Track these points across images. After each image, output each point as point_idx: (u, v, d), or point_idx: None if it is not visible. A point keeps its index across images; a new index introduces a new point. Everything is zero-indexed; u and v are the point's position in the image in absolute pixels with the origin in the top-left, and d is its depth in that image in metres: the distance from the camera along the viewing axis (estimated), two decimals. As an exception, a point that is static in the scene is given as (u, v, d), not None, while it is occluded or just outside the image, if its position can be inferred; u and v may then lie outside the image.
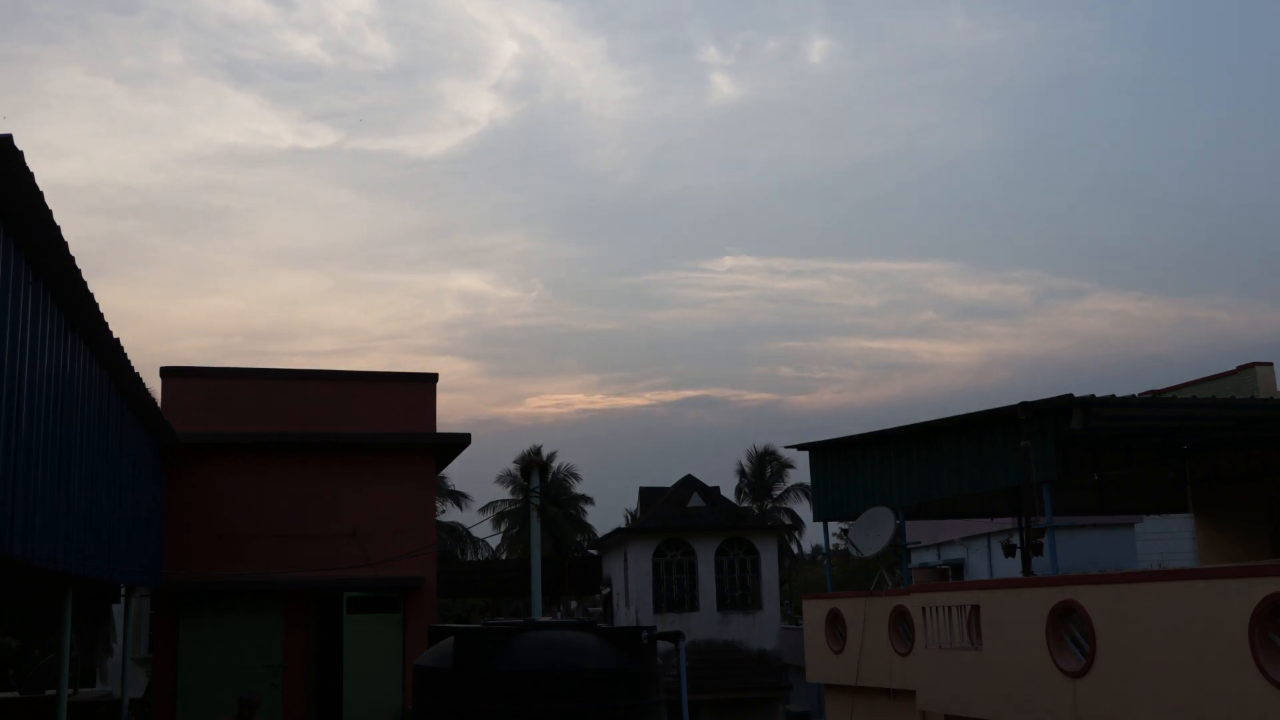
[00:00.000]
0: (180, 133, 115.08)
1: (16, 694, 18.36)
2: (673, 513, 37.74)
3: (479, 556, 50.42)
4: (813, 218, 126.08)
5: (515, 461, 53.52)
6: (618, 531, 40.11)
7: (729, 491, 47.65)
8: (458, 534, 49.17)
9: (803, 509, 53.93)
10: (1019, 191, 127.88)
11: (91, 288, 10.00)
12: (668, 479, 43.43)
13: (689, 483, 39.12)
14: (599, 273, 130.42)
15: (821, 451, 20.83)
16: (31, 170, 7.64)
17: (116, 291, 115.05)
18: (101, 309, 10.70)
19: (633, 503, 48.10)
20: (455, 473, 68.29)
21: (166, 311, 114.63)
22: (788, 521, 54.32)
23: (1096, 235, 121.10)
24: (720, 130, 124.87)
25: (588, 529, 54.35)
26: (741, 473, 56.40)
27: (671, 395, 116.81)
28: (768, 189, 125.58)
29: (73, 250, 8.97)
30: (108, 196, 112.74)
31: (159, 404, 17.16)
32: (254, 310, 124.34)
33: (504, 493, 53.41)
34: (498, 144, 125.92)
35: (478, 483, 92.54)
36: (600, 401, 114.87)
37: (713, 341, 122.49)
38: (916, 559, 36.37)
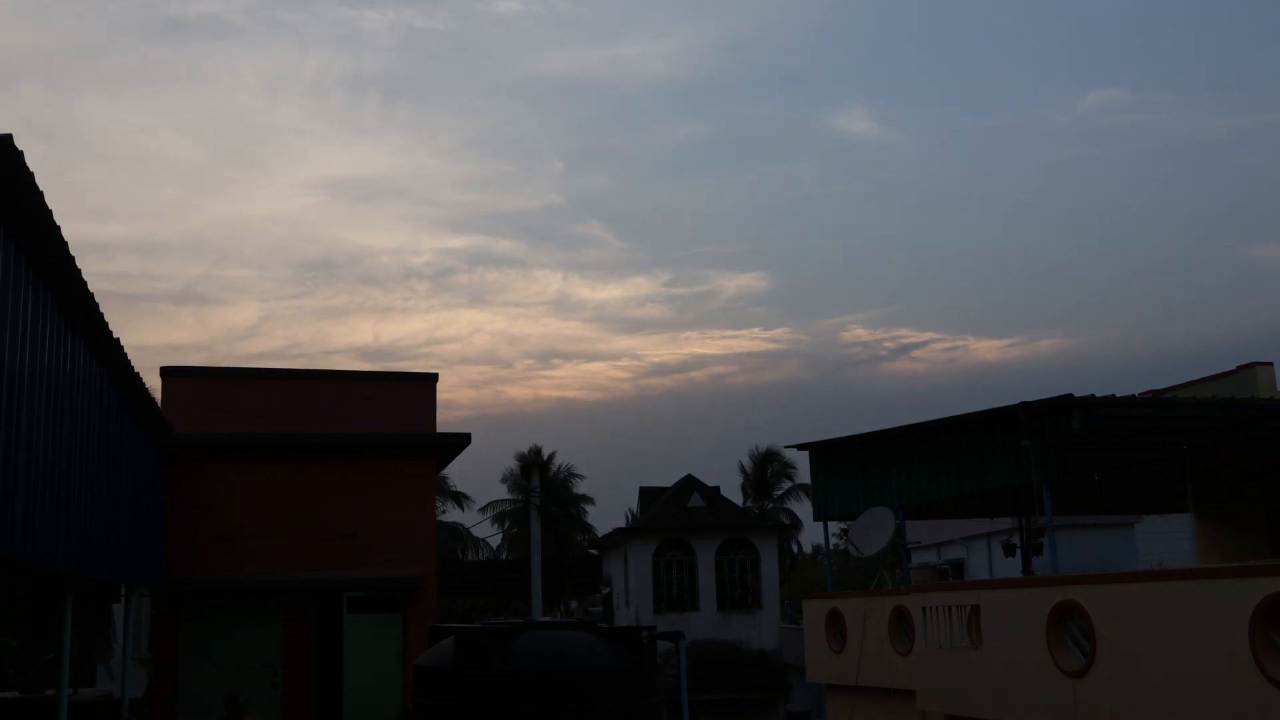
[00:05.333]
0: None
1: (16, 694, 18.35)
2: (673, 513, 37.72)
3: (479, 556, 50.41)
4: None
5: (516, 459, 53.52)
6: (618, 531, 40.08)
7: (732, 491, 47.62)
8: (458, 534, 49.19)
9: (803, 509, 53.96)
10: None
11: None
12: (668, 478, 43.44)
13: (689, 483, 39.11)
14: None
15: (821, 451, 20.81)
16: (31, 170, 7.64)
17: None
18: (101, 309, 10.71)
19: (633, 501, 48.13)
20: (456, 472, 67.25)
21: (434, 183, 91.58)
22: (788, 522, 54.30)
23: None
24: None
25: (588, 529, 54.33)
26: (743, 472, 56.38)
27: (867, 335, 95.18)
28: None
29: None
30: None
31: (159, 404, 17.16)
32: (552, 190, 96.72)
33: (505, 492, 53.45)
34: None
35: (480, 481, 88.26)
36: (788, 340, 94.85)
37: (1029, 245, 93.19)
38: (916, 559, 36.33)
